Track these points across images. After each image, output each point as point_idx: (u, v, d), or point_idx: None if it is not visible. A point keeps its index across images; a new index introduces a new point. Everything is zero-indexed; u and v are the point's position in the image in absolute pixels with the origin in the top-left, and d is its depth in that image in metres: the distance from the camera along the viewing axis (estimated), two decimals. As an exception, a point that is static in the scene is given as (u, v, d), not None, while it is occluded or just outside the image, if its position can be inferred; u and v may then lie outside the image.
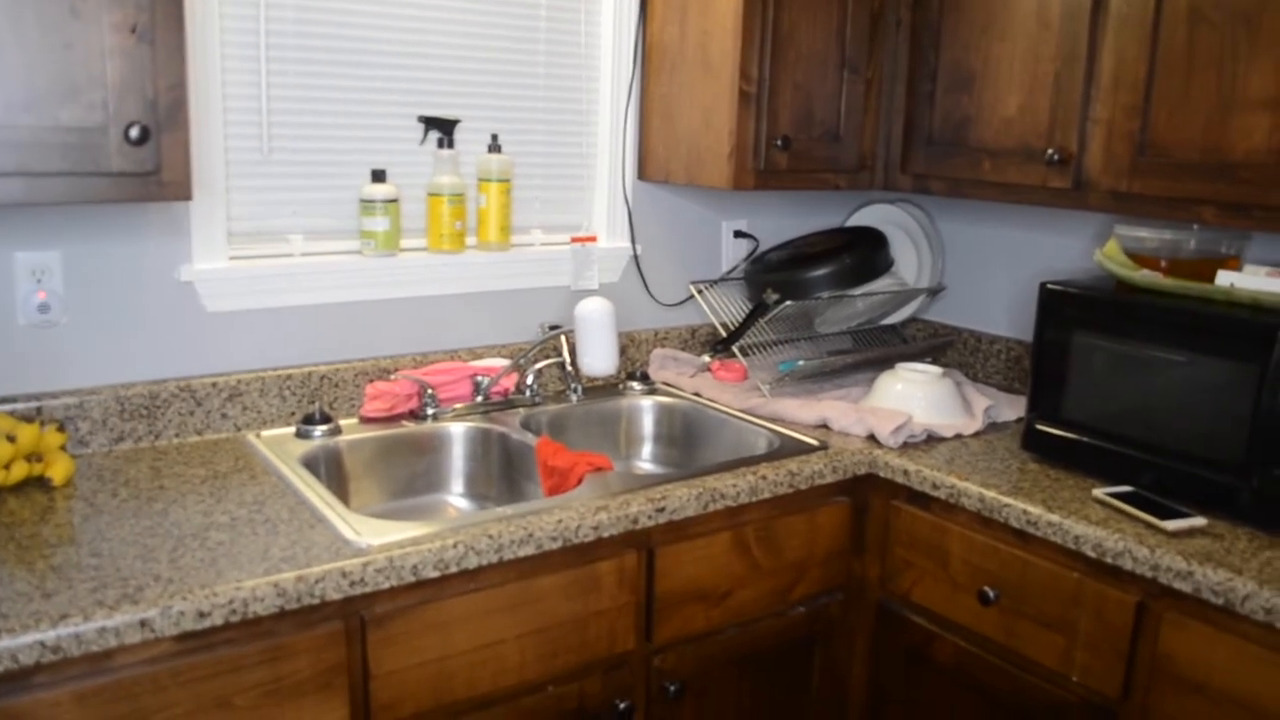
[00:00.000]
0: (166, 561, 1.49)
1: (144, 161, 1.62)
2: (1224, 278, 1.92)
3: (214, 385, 2.05)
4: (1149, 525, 1.79)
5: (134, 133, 1.59)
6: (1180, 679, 1.68)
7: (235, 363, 2.10)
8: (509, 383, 2.33)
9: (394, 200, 2.20)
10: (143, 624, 1.36)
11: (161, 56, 1.61)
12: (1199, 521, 1.79)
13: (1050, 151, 2.15)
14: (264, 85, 2.09)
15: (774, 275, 2.57)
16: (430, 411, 2.19)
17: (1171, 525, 1.77)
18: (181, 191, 1.66)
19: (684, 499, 1.86)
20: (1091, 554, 1.78)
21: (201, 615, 1.40)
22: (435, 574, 1.59)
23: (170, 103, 1.63)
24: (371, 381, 2.22)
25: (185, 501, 1.72)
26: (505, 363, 2.33)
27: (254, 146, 2.10)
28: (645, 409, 2.44)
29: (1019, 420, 2.36)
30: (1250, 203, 1.87)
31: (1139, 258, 2.11)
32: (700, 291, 2.68)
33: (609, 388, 2.51)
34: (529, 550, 1.68)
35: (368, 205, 2.19)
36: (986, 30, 2.28)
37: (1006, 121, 2.26)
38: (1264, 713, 1.58)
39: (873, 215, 2.87)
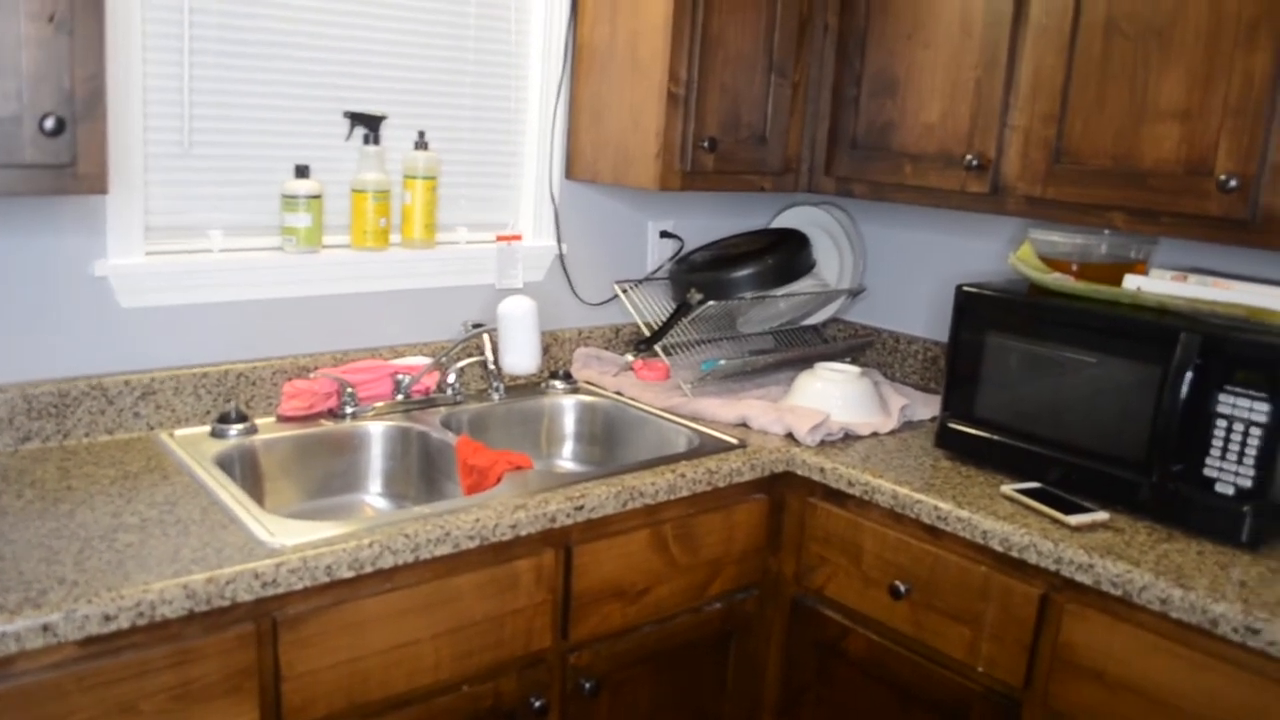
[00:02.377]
0: (71, 564, 1.47)
1: (59, 153, 1.59)
2: (1131, 281, 1.98)
3: (126, 383, 2.02)
4: (1054, 520, 1.85)
5: (49, 124, 1.56)
6: (1079, 667, 1.74)
7: (150, 360, 2.07)
8: (430, 381, 2.33)
9: (317, 196, 2.19)
10: (45, 628, 1.34)
11: (80, 46, 1.58)
12: (1101, 516, 1.84)
13: (969, 157, 2.20)
14: (186, 78, 2.06)
15: (698, 275, 2.60)
16: (349, 410, 2.18)
17: (1075, 520, 1.82)
18: (97, 185, 1.63)
19: (602, 497, 1.87)
20: (999, 548, 1.83)
21: (107, 619, 1.38)
22: (350, 574, 1.59)
23: (88, 94, 1.60)
24: (290, 380, 2.20)
25: (94, 502, 1.70)
26: (427, 361, 2.33)
27: (174, 140, 2.07)
28: (567, 408, 2.45)
29: (933, 419, 2.41)
30: (1158, 209, 1.93)
31: (1052, 261, 2.17)
32: (625, 291, 2.69)
33: (531, 386, 2.51)
34: (446, 549, 1.68)
35: (290, 201, 2.18)
36: (911, 37, 2.32)
37: (928, 127, 2.30)
38: (1157, 698, 1.64)
39: (797, 217, 2.90)
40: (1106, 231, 2.16)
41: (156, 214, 2.08)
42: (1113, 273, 2.08)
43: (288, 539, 1.58)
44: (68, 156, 1.60)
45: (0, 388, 1.90)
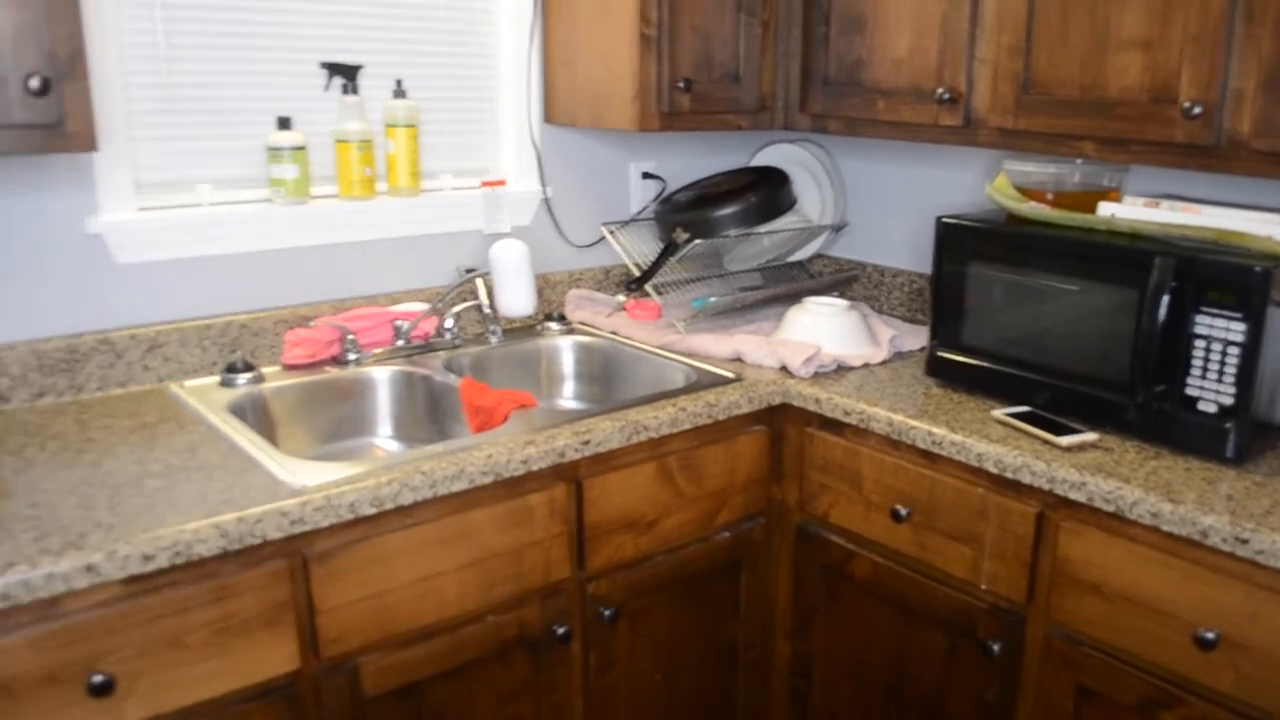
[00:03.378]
0: (106, 509, 1.50)
1: (47, 112, 1.60)
2: (1105, 209, 2.03)
3: (132, 337, 2.03)
4: (1045, 442, 1.90)
5: (34, 83, 1.57)
6: (1078, 581, 1.80)
7: (153, 314, 2.09)
8: (429, 326, 2.35)
9: (301, 148, 2.19)
10: (89, 568, 1.38)
11: (56, 5, 1.58)
12: (1090, 436, 1.90)
13: (940, 91, 2.24)
14: (161, 33, 2.05)
15: (683, 215, 2.63)
16: (352, 357, 2.21)
17: (1065, 441, 1.88)
18: (86, 142, 1.64)
19: (608, 432, 1.92)
20: (993, 470, 1.89)
21: (146, 558, 1.42)
22: (372, 511, 1.63)
23: (69, 53, 1.61)
24: (291, 329, 2.22)
25: (116, 452, 1.72)
26: (424, 307, 2.35)
27: (155, 95, 2.07)
28: (564, 348, 2.49)
29: (922, 349, 2.46)
30: (1127, 137, 1.97)
31: (1027, 191, 2.22)
32: (612, 233, 2.72)
33: (528, 329, 2.55)
34: (461, 485, 1.72)
35: (275, 153, 2.18)
36: (876, -28, 2.35)
37: (897, 62, 2.34)
38: (1153, 606, 1.71)
39: (775, 155, 2.94)
40: (1079, 161, 2.21)
41: (145, 170, 2.08)
42: (1087, 201, 2.12)
43: (309, 479, 1.62)
44: (55, 115, 1.61)
45: (10, 345, 1.92)
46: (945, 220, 2.17)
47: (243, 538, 1.50)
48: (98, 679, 1.41)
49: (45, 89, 1.58)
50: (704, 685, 2.27)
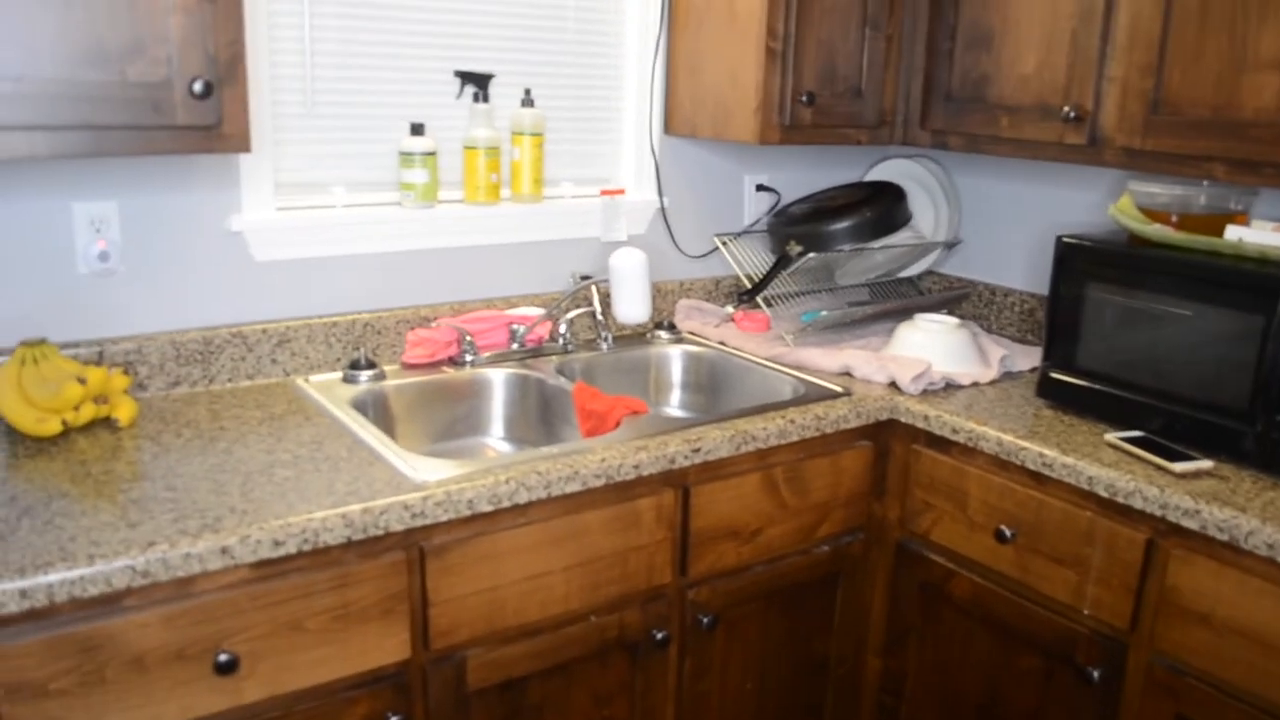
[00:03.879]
0: (239, 495, 1.59)
1: (207, 115, 1.69)
2: (1232, 232, 1.99)
3: (264, 332, 2.14)
4: (1158, 467, 1.88)
5: (198, 87, 1.66)
6: (1186, 610, 1.78)
7: (283, 310, 2.19)
8: (543, 331, 2.42)
9: (432, 153, 2.27)
10: (223, 551, 1.45)
11: (221, 13, 1.67)
12: (1205, 464, 1.87)
13: (1067, 109, 2.22)
14: (308, 40, 2.15)
15: (797, 228, 2.65)
16: (469, 358, 2.28)
17: (1179, 467, 1.85)
18: (241, 144, 1.74)
19: (718, 440, 1.95)
20: (1104, 494, 1.87)
21: (277, 544, 1.49)
22: (489, 508, 1.69)
23: (230, 58, 1.70)
24: (413, 329, 2.30)
25: (247, 441, 1.81)
26: (540, 311, 2.42)
27: (299, 100, 2.17)
28: (673, 357, 2.53)
29: (1033, 370, 2.44)
30: (1259, 160, 1.93)
31: (1150, 212, 2.19)
32: (725, 243, 2.75)
33: (637, 337, 2.59)
34: (575, 487, 1.77)
35: (407, 158, 2.27)
36: (1006, -11, 2.34)
37: (1024, 79, 2.32)
38: (1266, 642, 1.68)
39: (890, 170, 2.94)
40: (1205, 183, 2.17)
41: (284, 171, 2.19)
42: (1212, 224, 2.09)
43: (430, 475, 1.68)
44: (214, 118, 1.70)
45: (151, 336, 2.03)
46: (1066, 240, 2.15)
47: (366, 529, 1.57)
48: (223, 658, 1.49)
49: (207, 92, 1.67)
50: (793, 697, 2.29)
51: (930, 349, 2.36)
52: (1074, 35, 2.21)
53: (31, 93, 1.54)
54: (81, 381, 1.80)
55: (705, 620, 2.03)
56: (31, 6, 1.52)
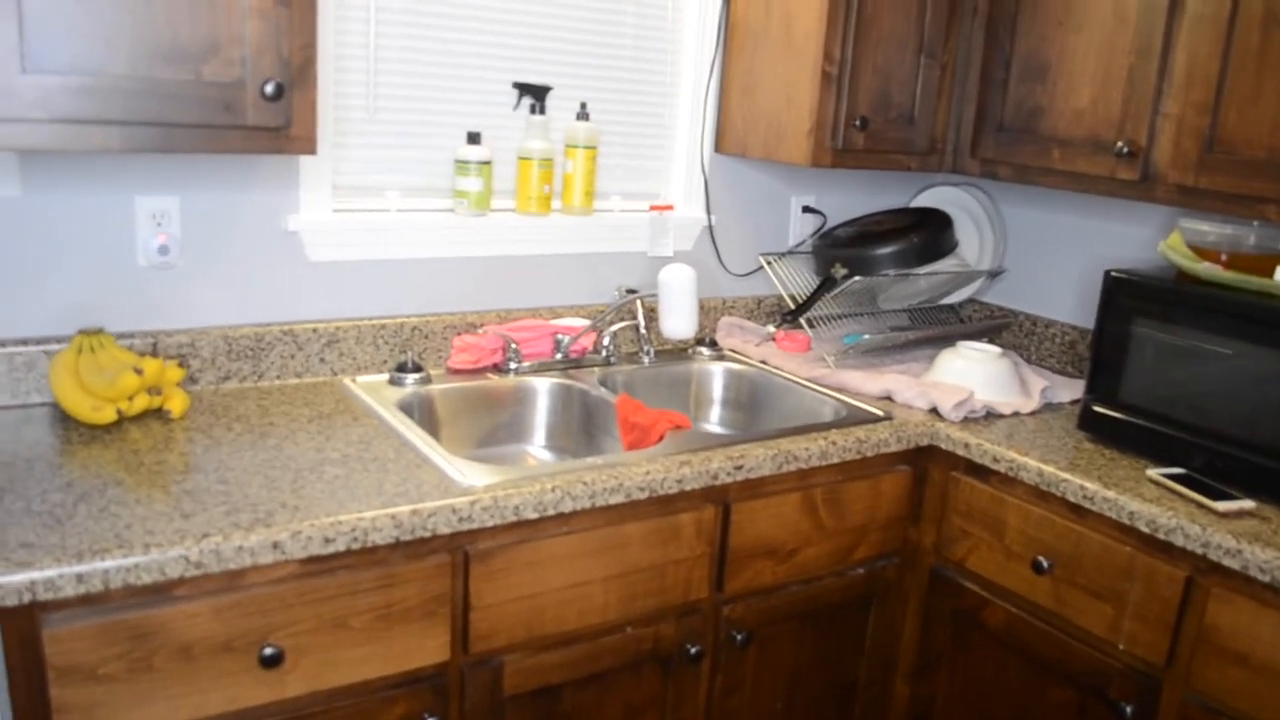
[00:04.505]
0: (290, 491, 1.61)
1: (277, 116, 1.72)
2: (1283, 274, 1.99)
3: (314, 331, 2.16)
4: (1200, 505, 1.88)
5: (269, 89, 1.69)
6: (1224, 650, 1.78)
7: (334, 310, 2.22)
8: (587, 342, 2.43)
9: (487, 162, 2.30)
10: (275, 545, 1.48)
11: (297, 17, 1.70)
12: (1248, 504, 1.87)
13: (1120, 144, 2.22)
14: (372, 48, 2.19)
15: (843, 251, 2.66)
16: (513, 366, 2.30)
17: (1222, 506, 1.85)
18: (307, 146, 1.77)
19: (760, 459, 1.96)
20: (1145, 529, 1.87)
21: (327, 541, 1.52)
22: (534, 515, 1.70)
23: (302, 62, 1.73)
24: (459, 334, 2.33)
25: (296, 438, 1.84)
26: (585, 323, 2.44)
27: (361, 105, 2.20)
28: (715, 373, 2.55)
29: (1074, 402, 2.44)
30: (1313, 203, 1.95)
31: (1200, 251, 2.19)
32: (770, 263, 2.77)
33: (679, 352, 2.61)
34: (618, 499, 1.79)
35: (462, 166, 2.29)
36: (1063, 23, 2.34)
37: (1078, 112, 2.33)
38: (1304, 685, 1.68)
39: (937, 197, 2.94)
40: (1256, 223, 2.17)
41: (342, 174, 2.22)
42: (1261, 264, 2.09)
43: (477, 479, 1.70)
44: (283, 119, 1.73)
45: (204, 330, 2.06)
46: (1114, 274, 2.16)
47: (414, 530, 1.59)
48: (268, 651, 1.51)
49: (279, 94, 1.70)
50: (822, 718, 2.29)
51: (972, 377, 2.36)
52: (1130, 71, 2.22)
53: (108, 88, 1.58)
54: (138, 372, 1.83)
55: (739, 637, 2.04)
56: (113, 5, 1.56)
